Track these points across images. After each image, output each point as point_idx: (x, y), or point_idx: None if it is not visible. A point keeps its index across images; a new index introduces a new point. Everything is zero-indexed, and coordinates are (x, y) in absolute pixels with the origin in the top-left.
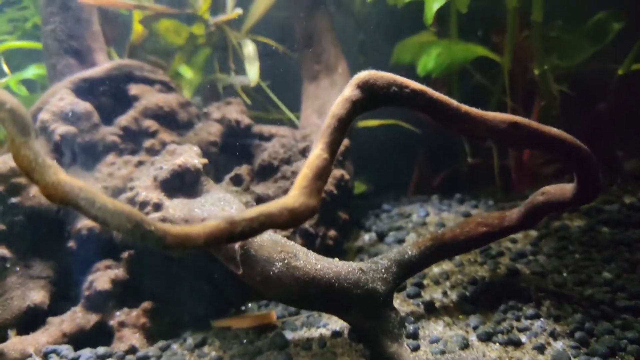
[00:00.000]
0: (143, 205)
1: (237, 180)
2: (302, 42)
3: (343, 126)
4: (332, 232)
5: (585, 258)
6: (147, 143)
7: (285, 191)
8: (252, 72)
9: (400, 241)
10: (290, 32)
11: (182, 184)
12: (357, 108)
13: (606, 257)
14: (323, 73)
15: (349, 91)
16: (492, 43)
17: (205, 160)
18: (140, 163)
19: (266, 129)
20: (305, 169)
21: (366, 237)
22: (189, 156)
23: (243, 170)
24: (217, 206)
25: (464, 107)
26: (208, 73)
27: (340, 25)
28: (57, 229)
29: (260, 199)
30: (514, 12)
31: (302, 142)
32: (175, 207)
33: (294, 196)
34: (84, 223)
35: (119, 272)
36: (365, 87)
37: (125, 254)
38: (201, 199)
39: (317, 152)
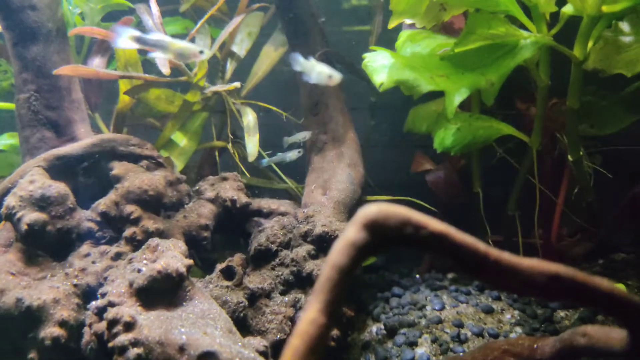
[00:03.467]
0: (113, 323)
1: (229, 273)
2: (308, 109)
3: (346, 278)
4: (334, 332)
5: None
6: (128, 232)
7: (284, 282)
8: (251, 146)
9: (412, 344)
10: (297, 89)
11: (162, 291)
12: (363, 254)
13: None
14: (330, 144)
15: (353, 233)
16: (517, 110)
17: (190, 262)
18: (118, 255)
19: (266, 204)
20: (296, 339)
21: (374, 328)
22: (172, 257)
23: (236, 260)
24: (199, 326)
25: (494, 254)
26: (204, 139)
27: (350, 87)
28: (17, 335)
29: (253, 296)
30: (545, 91)
31: (304, 224)
32: (151, 324)
33: None
34: (49, 331)
35: None
36: (374, 228)
37: None
38: (182, 313)
39: (312, 316)
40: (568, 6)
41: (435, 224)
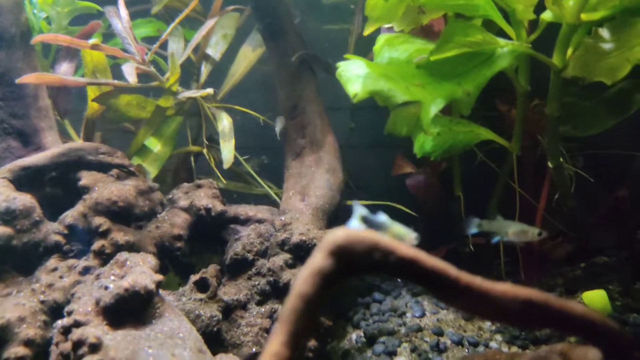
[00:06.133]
0: (78, 345)
1: (202, 285)
2: (286, 112)
3: (312, 308)
4: (312, 343)
5: None
6: (97, 245)
7: (260, 292)
8: (227, 152)
9: (391, 353)
10: (275, 91)
11: (129, 309)
12: (329, 282)
13: None
14: (308, 149)
15: (319, 261)
16: (498, 112)
17: (160, 277)
18: (86, 269)
19: (242, 210)
20: None
21: (354, 336)
22: (140, 273)
23: (210, 272)
24: (168, 347)
25: (465, 279)
26: (180, 142)
27: (329, 87)
28: None
29: (228, 308)
30: (524, 97)
31: (281, 232)
32: (118, 345)
33: None
34: (13, 351)
35: None
36: (341, 255)
37: None
38: (151, 332)
39: (275, 349)
40: (547, 13)
41: (404, 249)
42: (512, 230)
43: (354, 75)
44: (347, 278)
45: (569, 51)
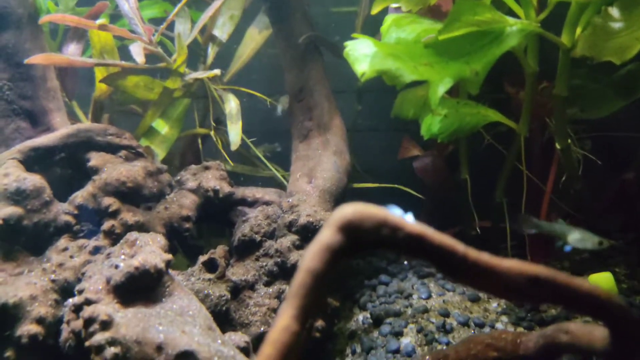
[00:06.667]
0: (89, 322)
1: (211, 266)
2: (292, 95)
3: (320, 283)
4: (319, 323)
5: None
6: (107, 225)
7: (268, 273)
8: (234, 134)
9: (398, 334)
10: (282, 73)
11: (139, 288)
12: (337, 258)
13: None
14: (315, 131)
15: (327, 236)
16: (506, 94)
17: (169, 257)
18: (96, 249)
19: (250, 192)
20: (268, 347)
21: (360, 317)
22: (150, 253)
23: (218, 252)
24: (178, 324)
25: (473, 256)
26: (187, 125)
27: (336, 70)
28: None
29: (236, 288)
30: (533, 77)
31: (288, 214)
32: (129, 323)
33: None
34: (26, 328)
35: None
36: (349, 231)
37: None
38: (161, 310)
39: (285, 323)
40: None
41: (412, 227)
42: (573, 237)
43: (362, 55)
44: (356, 254)
45: (578, 30)
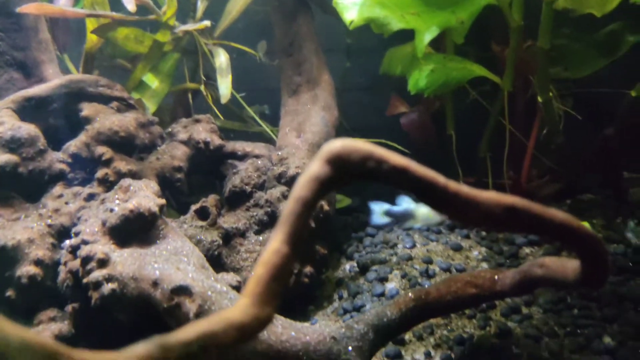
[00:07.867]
0: (86, 260)
1: (203, 213)
2: (282, 50)
3: (309, 211)
4: (308, 269)
5: (584, 315)
6: (100, 173)
7: (258, 222)
8: (224, 87)
9: (383, 279)
10: (272, 31)
11: (134, 230)
12: (325, 188)
13: (607, 316)
14: (304, 86)
15: (316, 168)
16: (491, 52)
17: (162, 201)
18: (91, 196)
19: (240, 146)
20: (260, 267)
21: (347, 266)
22: (144, 197)
23: (210, 201)
24: (172, 262)
25: (453, 187)
26: (177, 81)
27: (325, 29)
28: None
29: (228, 235)
30: (518, 31)
31: (278, 166)
32: (125, 261)
33: (243, 307)
34: (25, 269)
35: (63, 326)
36: (337, 163)
37: (70, 307)
38: (156, 250)
39: (276, 246)
40: None
41: (397, 158)
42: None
43: (351, 3)
44: (343, 184)
45: None
